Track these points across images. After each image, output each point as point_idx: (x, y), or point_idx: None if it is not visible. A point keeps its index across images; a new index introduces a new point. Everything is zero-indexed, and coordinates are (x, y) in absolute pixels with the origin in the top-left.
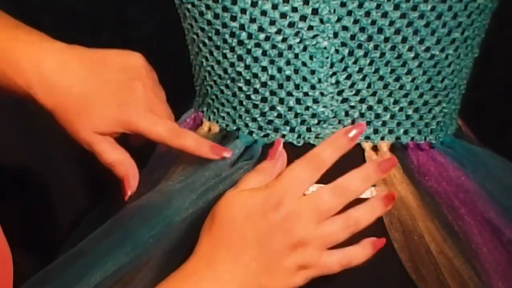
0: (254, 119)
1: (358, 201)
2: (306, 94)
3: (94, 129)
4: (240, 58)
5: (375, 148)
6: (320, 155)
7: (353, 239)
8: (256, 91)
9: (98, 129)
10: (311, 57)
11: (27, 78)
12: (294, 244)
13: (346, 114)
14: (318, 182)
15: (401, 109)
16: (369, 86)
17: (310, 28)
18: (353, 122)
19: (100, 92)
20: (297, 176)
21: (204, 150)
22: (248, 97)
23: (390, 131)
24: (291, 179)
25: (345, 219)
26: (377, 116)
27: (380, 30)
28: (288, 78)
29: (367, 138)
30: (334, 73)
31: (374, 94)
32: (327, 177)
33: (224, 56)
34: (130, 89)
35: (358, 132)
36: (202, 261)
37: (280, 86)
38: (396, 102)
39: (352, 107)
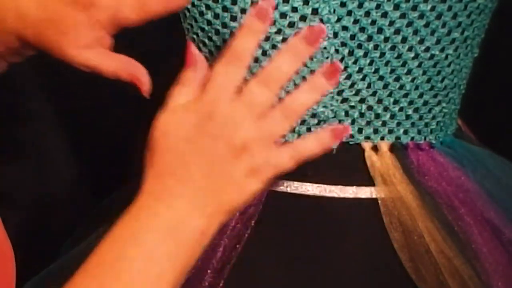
0: None
1: (359, 202)
2: None
3: (79, 44)
4: None
5: (375, 148)
6: (237, 48)
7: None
8: None
9: (82, 41)
10: (311, 57)
11: (8, 18)
12: (238, 149)
13: (346, 114)
14: (318, 182)
15: (401, 109)
16: (369, 86)
17: None
18: (353, 122)
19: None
20: (222, 78)
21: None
22: None
23: (390, 131)
24: (217, 83)
25: (283, 108)
26: (377, 116)
27: (380, 30)
28: None
29: (367, 138)
30: None
31: (374, 94)
32: (326, 176)
33: None
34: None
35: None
36: (151, 196)
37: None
38: (396, 102)
39: (352, 107)
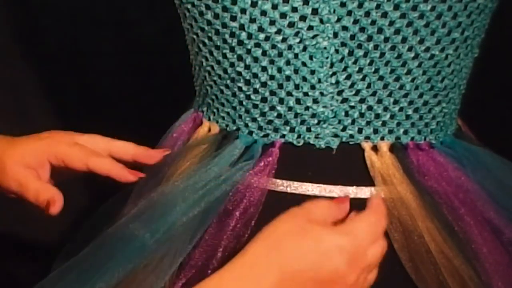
0: (254, 119)
1: (359, 202)
2: (306, 94)
3: (21, 162)
4: (240, 58)
5: (375, 148)
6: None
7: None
8: (256, 91)
9: (24, 161)
10: (311, 57)
11: None
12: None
13: (346, 114)
14: (318, 182)
15: (401, 109)
16: (369, 86)
17: (310, 28)
18: (353, 122)
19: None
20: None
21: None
22: (248, 97)
23: (390, 131)
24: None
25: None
26: (377, 116)
27: (380, 30)
28: (288, 78)
29: (367, 138)
30: (334, 73)
31: (374, 94)
32: (326, 176)
33: (224, 56)
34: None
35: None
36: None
37: (280, 86)
38: (396, 102)
39: (352, 107)
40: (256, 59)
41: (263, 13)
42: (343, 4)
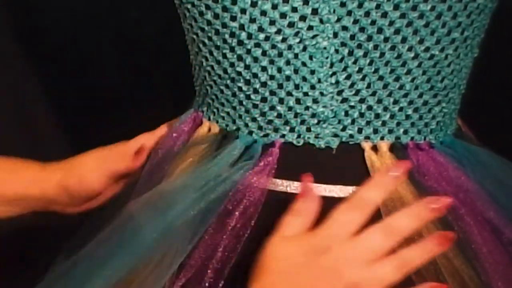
0: (254, 119)
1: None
2: (306, 94)
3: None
4: (240, 58)
5: (374, 148)
6: (363, 196)
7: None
8: (256, 91)
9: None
10: (311, 57)
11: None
12: (347, 286)
13: (346, 114)
14: (318, 182)
15: (400, 109)
16: (368, 86)
17: (310, 28)
18: (353, 122)
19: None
20: (344, 218)
21: None
22: (248, 97)
23: (390, 131)
24: (338, 222)
25: (397, 259)
26: (377, 116)
27: (380, 30)
28: (288, 78)
29: (367, 138)
30: (334, 73)
31: (374, 94)
32: (326, 176)
33: (224, 56)
34: None
35: (403, 170)
36: None
37: (280, 86)
38: (395, 102)
39: (352, 107)
40: (256, 59)
41: (263, 13)
42: (343, 4)
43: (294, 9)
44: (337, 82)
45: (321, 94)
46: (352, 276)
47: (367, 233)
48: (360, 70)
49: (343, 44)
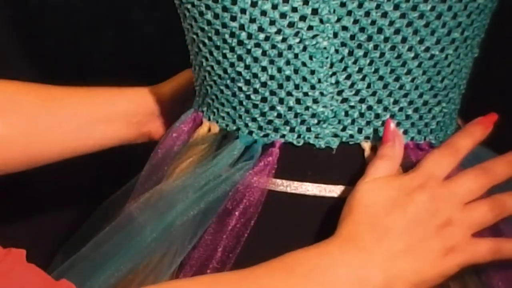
0: (254, 119)
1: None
2: (306, 94)
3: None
4: (240, 58)
5: (374, 148)
6: (456, 143)
7: None
8: (256, 91)
9: None
10: (311, 57)
11: None
12: (440, 224)
13: (346, 114)
14: (318, 182)
15: (400, 109)
16: (369, 86)
17: (310, 28)
18: (353, 122)
19: None
20: (436, 162)
21: None
22: (248, 97)
23: None
24: (431, 165)
25: (491, 201)
26: (377, 116)
27: (380, 30)
28: (288, 78)
29: (367, 138)
30: (334, 73)
31: (374, 94)
32: (326, 176)
33: (224, 56)
34: None
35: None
36: (345, 239)
37: (280, 86)
38: (395, 102)
39: (352, 107)
40: (256, 59)
41: (263, 13)
42: (343, 4)
43: (294, 9)
44: (337, 82)
45: (321, 94)
46: (447, 212)
47: (463, 174)
48: (360, 70)
49: (343, 44)
